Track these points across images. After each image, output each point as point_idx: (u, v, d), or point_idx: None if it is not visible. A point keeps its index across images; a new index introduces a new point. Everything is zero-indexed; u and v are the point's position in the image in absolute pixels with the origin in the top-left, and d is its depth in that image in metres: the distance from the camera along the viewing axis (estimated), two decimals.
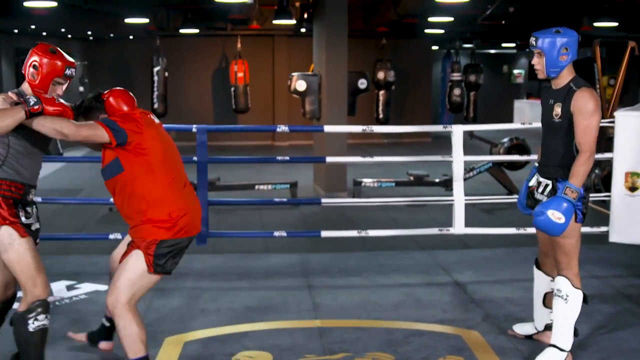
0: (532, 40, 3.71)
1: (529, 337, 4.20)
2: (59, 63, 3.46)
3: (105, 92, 3.74)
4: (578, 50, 3.74)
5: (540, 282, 4.15)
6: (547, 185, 3.82)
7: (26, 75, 3.47)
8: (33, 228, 3.62)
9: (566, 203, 3.60)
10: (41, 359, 3.51)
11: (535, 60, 3.76)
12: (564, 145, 3.73)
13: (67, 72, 3.52)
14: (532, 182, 3.96)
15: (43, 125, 3.32)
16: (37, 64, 3.43)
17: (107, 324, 4.06)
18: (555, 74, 3.71)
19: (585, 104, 3.62)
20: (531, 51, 3.78)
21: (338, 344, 4.16)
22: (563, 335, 3.79)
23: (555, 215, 3.57)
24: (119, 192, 3.59)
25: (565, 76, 3.73)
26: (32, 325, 3.42)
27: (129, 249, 3.55)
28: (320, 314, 4.69)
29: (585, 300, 3.81)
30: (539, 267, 4.16)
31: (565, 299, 3.75)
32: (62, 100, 3.49)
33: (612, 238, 5.74)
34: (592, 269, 5.71)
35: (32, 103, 3.26)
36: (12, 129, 3.25)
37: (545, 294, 4.11)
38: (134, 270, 3.46)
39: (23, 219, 3.50)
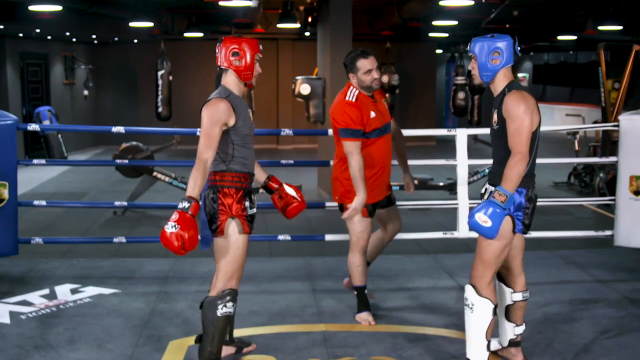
0: (468, 45, 3.67)
1: (494, 353, 4.06)
2: (254, 41, 3.69)
3: None
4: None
5: (502, 294, 4.00)
6: (491, 192, 3.62)
7: (228, 66, 3.65)
8: (255, 210, 3.81)
9: (492, 207, 3.42)
10: (221, 343, 3.71)
11: (470, 65, 3.71)
12: (503, 152, 3.58)
13: (261, 47, 3.73)
14: (483, 190, 3.82)
15: None
16: (236, 50, 3.64)
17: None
18: (488, 78, 3.62)
19: (513, 106, 3.49)
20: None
21: (342, 348, 4.16)
22: (474, 347, 3.65)
23: (482, 219, 3.43)
24: None
25: (501, 81, 3.62)
26: (221, 311, 3.64)
27: None
28: (325, 318, 4.68)
29: (494, 311, 3.62)
30: (500, 279, 4.02)
31: (471, 308, 3.63)
32: None
33: (617, 242, 5.73)
34: (597, 273, 5.69)
35: (185, 207, 3.41)
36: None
37: (508, 307, 3.96)
38: None
39: (249, 210, 3.70)
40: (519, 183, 3.51)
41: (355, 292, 4.64)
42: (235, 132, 3.64)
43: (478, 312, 3.61)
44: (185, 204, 3.39)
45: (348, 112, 4.36)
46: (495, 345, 4.10)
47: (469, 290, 3.66)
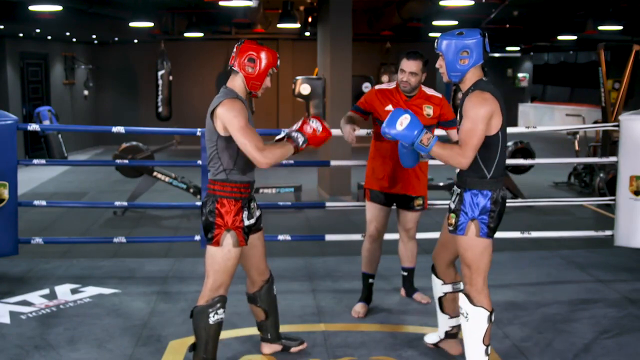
0: (436, 42, 3.51)
1: (436, 346, 4.08)
2: (273, 54, 3.62)
3: None
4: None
5: (435, 286, 4.00)
6: (457, 194, 3.57)
7: (240, 70, 3.58)
8: (254, 220, 3.75)
9: (414, 130, 3.36)
10: (216, 348, 3.69)
11: (438, 63, 3.54)
12: None
13: (278, 62, 3.67)
14: (451, 191, 3.75)
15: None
16: (253, 57, 3.56)
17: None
18: (457, 78, 3.46)
19: (470, 108, 3.34)
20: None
21: (342, 348, 4.16)
22: (472, 354, 3.58)
23: (400, 123, 3.37)
24: None
25: (470, 80, 3.45)
26: (213, 318, 3.62)
27: None
28: (325, 318, 4.68)
29: (490, 318, 3.55)
30: (433, 271, 4.01)
31: (466, 317, 3.57)
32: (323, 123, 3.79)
33: (617, 242, 5.73)
34: (597, 273, 5.69)
35: (301, 142, 3.60)
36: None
37: (440, 299, 3.96)
38: None
39: (246, 220, 3.64)
40: (485, 186, 3.45)
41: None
42: None
43: (473, 320, 3.54)
44: (300, 139, 3.61)
45: (367, 92, 4.72)
46: (434, 338, 4.12)
47: (462, 299, 3.60)
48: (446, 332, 4.03)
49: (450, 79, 3.50)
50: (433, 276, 4.01)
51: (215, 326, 3.63)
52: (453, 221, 3.54)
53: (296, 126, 3.73)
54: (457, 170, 3.54)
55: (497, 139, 3.42)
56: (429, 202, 5.19)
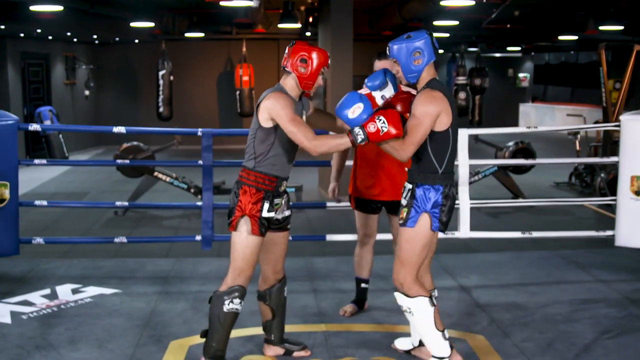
0: (387, 49, 3.63)
1: (407, 353, 4.08)
2: (324, 54, 3.65)
3: None
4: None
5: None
6: (409, 190, 3.65)
7: (292, 70, 3.64)
8: (279, 217, 3.83)
9: (364, 112, 3.47)
10: (226, 340, 3.75)
11: (395, 70, 3.72)
12: (419, 149, 3.55)
13: (329, 61, 3.72)
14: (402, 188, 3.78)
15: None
16: (305, 57, 3.64)
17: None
18: (414, 79, 3.60)
19: (418, 104, 3.49)
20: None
21: (343, 348, 4.16)
22: (434, 345, 3.65)
23: (354, 110, 3.48)
24: None
25: (424, 79, 3.60)
26: (227, 307, 3.69)
27: None
28: (326, 318, 4.68)
29: (432, 301, 3.63)
30: None
31: (410, 312, 3.64)
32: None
33: (618, 242, 5.73)
34: (598, 273, 5.69)
35: (359, 140, 3.48)
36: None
37: None
38: None
39: (264, 212, 3.69)
40: (436, 181, 3.56)
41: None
42: (283, 134, 3.61)
43: (418, 312, 3.62)
44: (359, 137, 3.46)
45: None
46: (407, 344, 4.12)
47: (399, 298, 3.67)
48: (420, 340, 4.00)
49: (408, 80, 3.64)
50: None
51: (229, 315, 3.69)
52: (404, 215, 3.62)
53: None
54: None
55: (447, 135, 3.56)
56: None
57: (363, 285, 4.80)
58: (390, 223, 4.72)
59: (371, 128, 3.45)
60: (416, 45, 3.55)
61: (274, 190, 3.73)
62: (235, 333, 4.37)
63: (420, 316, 3.63)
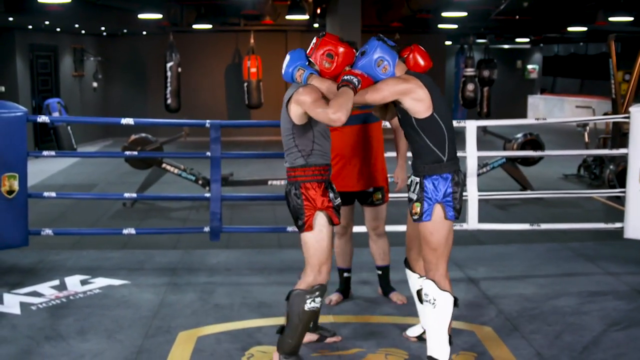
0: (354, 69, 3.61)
1: (420, 338, 4.07)
2: (352, 52, 3.62)
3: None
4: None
5: (411, 280, 4.03)
6: (416, 183, 3.62)
7: (316, 63, 3.61)
8: (339, 200, 3.80)
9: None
10: (302, 337, 3.76)
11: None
12: (417, 140, 3.56)
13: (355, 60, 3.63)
14: (409, 181, 3.76)
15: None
16: (332, 52, 3.58)
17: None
18: None
19: (388, 82, 3.49)
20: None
21: (351, 339, 4.16)
22: (436, 344, 3.58)
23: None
24: None
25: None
26: (309, 305, 3.64)
27: None
28: (333, 309, 4.69)
29: (455, 303, 3.60)
30: (406, 265, 4.05)
31: (433, 304, 3.58)
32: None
33: (627, 234, 5.71)
34: (607, 266, 5.67)
35: (357, 83, 3.42)
36: None
37: (418, 292, 3.92)
38: None
39: (334, 200, 3.69)
40: (444, 170, 3.53)
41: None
42: (317, 123, 3.60)
43: (440, 306, 3.57)
44: (355, 80, 3.41)
45: None
46: (416, 331, 4.11)
47: (428, 285, 3.61)
48: None
49: None
50: (408, 270, 4.05)
51: (310, 313, 3.67)
52: (418, 210, 3.58)
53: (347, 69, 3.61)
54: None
55: (435, 121, 3.52)
56: (396, 195, 5.13)
57: (346, 274, 4.85)
58: (363, 215, 4.75)
59: (355, 81, 3.43)
60: (376, 57, 3.51)
61: (328, 178, 3.73)
62: (243, 324, 4.39)
63: (440, 311, 3.57)
